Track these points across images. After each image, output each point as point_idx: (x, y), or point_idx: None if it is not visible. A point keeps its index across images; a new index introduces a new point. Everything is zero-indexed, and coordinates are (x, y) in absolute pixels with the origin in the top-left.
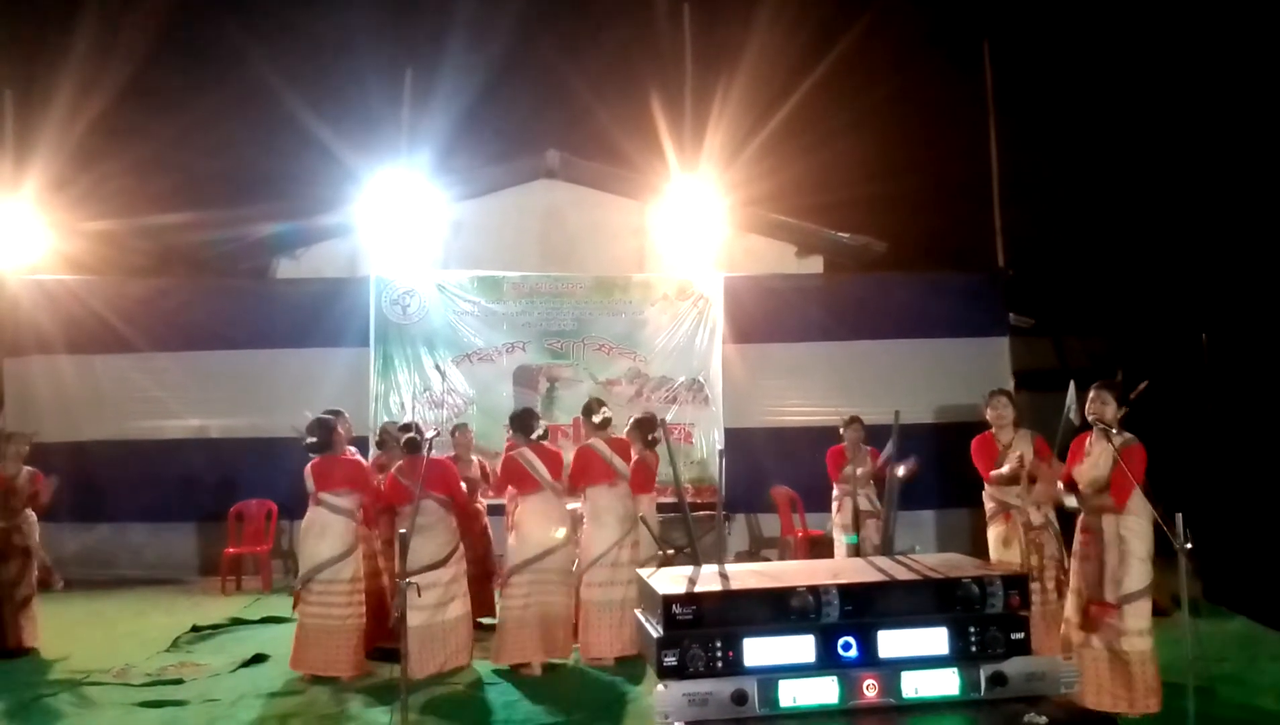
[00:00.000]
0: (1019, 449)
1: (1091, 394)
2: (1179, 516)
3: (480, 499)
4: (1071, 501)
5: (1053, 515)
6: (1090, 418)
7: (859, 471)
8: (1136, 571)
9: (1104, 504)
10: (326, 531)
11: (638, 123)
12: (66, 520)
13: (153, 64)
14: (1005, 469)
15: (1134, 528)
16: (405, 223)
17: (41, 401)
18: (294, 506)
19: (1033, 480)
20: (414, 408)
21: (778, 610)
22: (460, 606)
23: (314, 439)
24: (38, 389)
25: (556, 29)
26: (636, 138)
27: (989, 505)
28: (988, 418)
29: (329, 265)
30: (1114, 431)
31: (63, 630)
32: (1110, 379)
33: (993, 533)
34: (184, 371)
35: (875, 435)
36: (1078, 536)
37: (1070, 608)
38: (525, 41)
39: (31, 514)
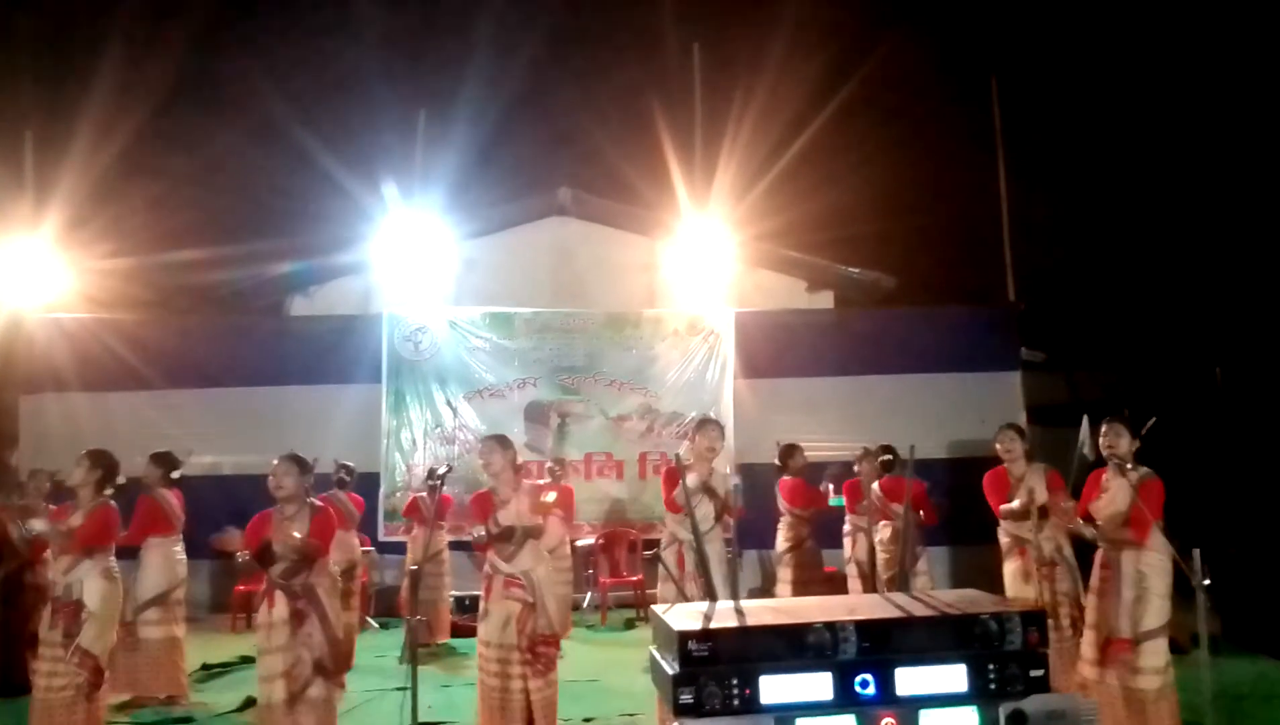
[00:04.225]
0: (1031, 483)
1: (1104, 429)
2: (1196, 553)
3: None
4: (1089, 532)
5: (1068, 551)
6: (1105, 453)
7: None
8: (1155, 609)
9: (1123, 538)
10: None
11: (648, 160)
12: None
13: (169, 103)
14: (1015, 504)
15: (1154, 564)
16: (417, 260)
17: (56, 439)
18: None
19: (1044, 515)
20: (425, 444)
21: (794, 647)
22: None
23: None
24: (53, 426)
25: (568, 68)
26: (647, 175)
27: (1004, 540)
28: (998, 452)
29: (342, 302)
30: (1129, 466)
31: None
32: (1119, 414)
33: (1008, 568)
34: (198, 408)
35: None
36: (1097, 572)
37: (1086, 643)
38: (537, 80)
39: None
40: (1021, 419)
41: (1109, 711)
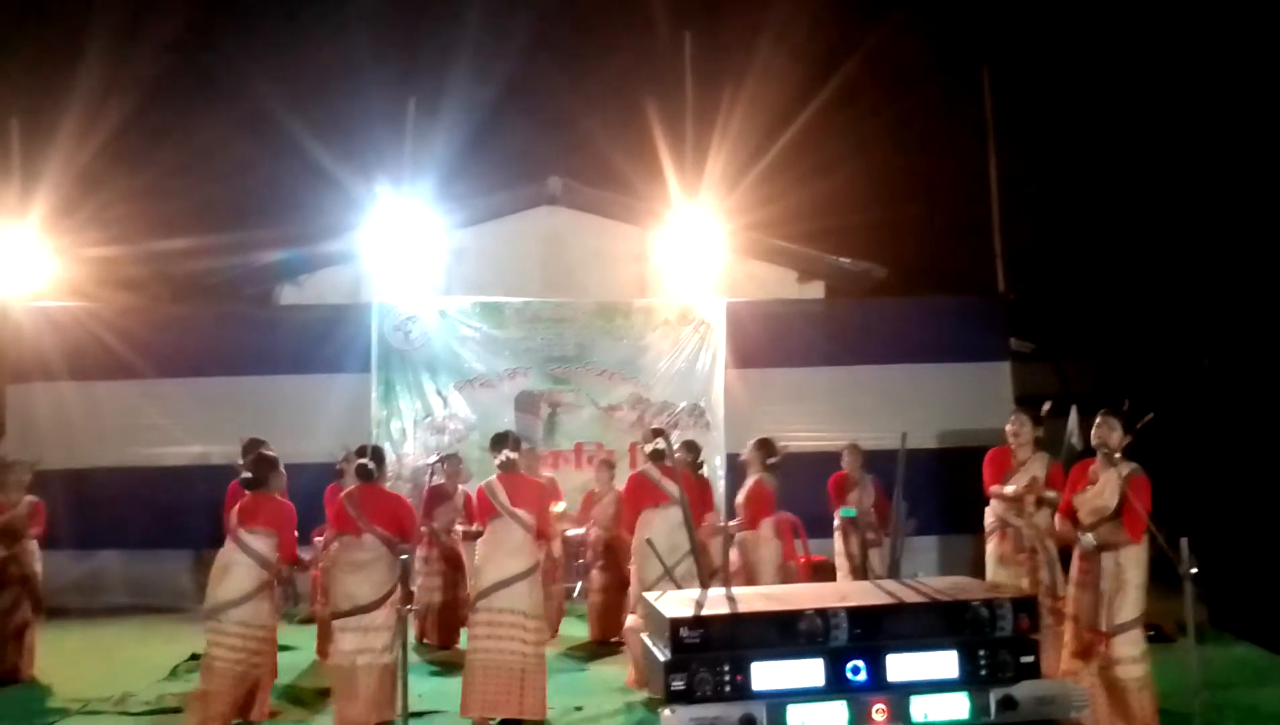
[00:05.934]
0: (1033, 470)
1: (1098, 420)
2: (1184, 542)
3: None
4: (1088, 539)
5: (1050, 542)
6: (1095, 443)
7: (860, 498)
8: (1132, 600)
9: (1118, 540)
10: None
11: (639, 149)
12: (67, 547)
13: (157, 91)
14: (1009, 489)
15: (1133, 557)
16: (408, 249)
17: (44, 428)
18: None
19: (1039, 503)
20: (415, 433)
21: (786, 633)
22: (377, 657)
23: (250, 474)
24: (40, 416)
25: (558, 57)
26: (638, 164)
27: (989, 520)
28: (1007, 433)
29: (332, 291)
30: (1118, 458)
31: (62, 658)
32: (1116, 406)
33: (990, 548)
34: (186, 398)
35: (877, 460)
36: (1076, 563)
37: (1069, 635)
38: (527, 69)
39: (33, 543)
40: (1010, 408)
41: (1093, 704)
